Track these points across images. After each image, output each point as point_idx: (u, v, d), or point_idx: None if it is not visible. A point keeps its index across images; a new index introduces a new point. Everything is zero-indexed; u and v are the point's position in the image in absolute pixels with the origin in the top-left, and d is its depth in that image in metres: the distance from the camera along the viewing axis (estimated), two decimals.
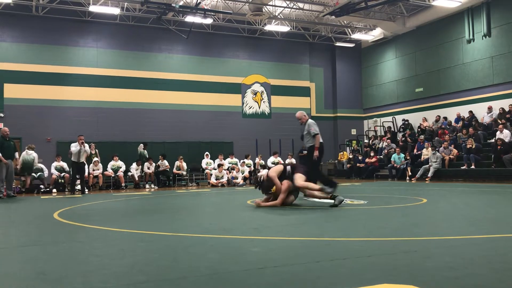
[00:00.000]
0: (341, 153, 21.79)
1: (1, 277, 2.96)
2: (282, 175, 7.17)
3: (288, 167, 7.29)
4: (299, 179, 6.94)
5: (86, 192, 12.69)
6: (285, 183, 7.04)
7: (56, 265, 3.31)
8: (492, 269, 2.92)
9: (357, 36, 22.30)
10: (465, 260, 3.19)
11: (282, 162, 17.78)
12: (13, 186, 13.02)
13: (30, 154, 14.11)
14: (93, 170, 15.00)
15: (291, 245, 4.00)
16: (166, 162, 16.41)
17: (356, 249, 3.67)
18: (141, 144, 17.03)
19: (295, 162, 16.58)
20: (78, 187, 14.03)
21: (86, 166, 14.72)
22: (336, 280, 2.71)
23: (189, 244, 4.03)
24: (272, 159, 17.85)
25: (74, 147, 12.47)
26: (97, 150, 15.44)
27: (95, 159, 15.15)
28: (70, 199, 10.52)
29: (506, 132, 15.31)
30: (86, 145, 12.74)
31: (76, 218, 6.32)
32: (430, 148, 16.53)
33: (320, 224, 5.40)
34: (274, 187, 7.15)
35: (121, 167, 15.73)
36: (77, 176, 12.75)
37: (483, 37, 17.90)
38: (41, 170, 14.63)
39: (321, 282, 2.66)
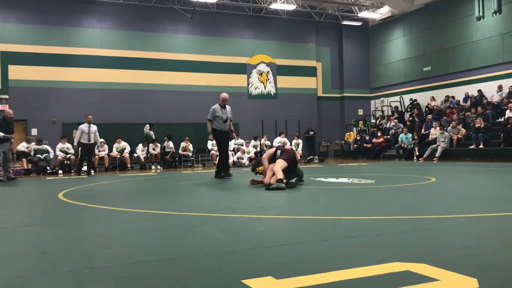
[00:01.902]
0: (348, 133, 21.64)
1: (2, 256, 2.90)
2: (273, 158, 7.36)
3: (278, 151, 7.40)
4: (279, 163, 6.95)
5: (92, 174, 12.67)
6: (271, 165, 7.18)
7: (58, 245, 3.25)
8: (506, 247, 2.83)
9: (364, 14, 21.92)
10: (478, 238, 3.09)
11: (287, 142, 17.72)
12: (19, 169, 13.09)
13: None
14: (99, 151, 14.98)
15: (298, 224, 3.91)
16: (171, 144, 16.37)
17: (365, 227, 3.59)
18: (147, 125, 16.98)
19: (287, 146, 16.61)
20: (85, 168, 14.06)
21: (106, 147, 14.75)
22: (345, 259, 2.63)
23: (195, 224, 3.96)
24: (278, 139, 17.72)
25: (79, 134, 12.23)
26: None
27: (101, 140, 15.13)
28: (76, 180, 10.50)
29: None
30: (93, 126, 12.59)
31: (81, 198, 6.28)
32: (438, 128, 16.35)
33: (327, 203, 5.32)
34: (261, 167, 7.50)
35: (125, 148, 15.72)
36: (85, 157, 12.66)
37: (493, 14, 17.52)
38: (47, 151, 14.63)
39: (329, 261, 2.58)
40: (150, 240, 3.31)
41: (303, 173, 7.62)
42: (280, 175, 6.72)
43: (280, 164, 6.95)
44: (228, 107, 9.65)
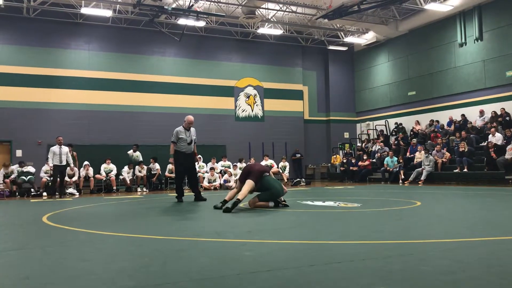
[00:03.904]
0: (334, 156, 21.78)
1: None
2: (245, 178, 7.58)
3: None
4: (246, 184, 7.29)
5: (67, 195, 12.49)
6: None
7: (42, 270, 3.20)
8: (490, 273, 2.86)
9: (349, 39, 22.33)
10: (462, 263, 3.12)
11: (274, 164, 17.79)
12: (2, 191, 12.98)
13: None
14: (86, 173, 14.93)
15: (284, 248, 3.91)
16: (157, 165, 16.28)
17: (351, 252, 3.60)
18: (131, 150, 16.69)
19: (274, 169, 17.25)
20: (70, 190, 13.93)
21: (77, 170, 14.61)
22: (330, 285, 2.64)
23: (180, 248, 3.94)
24: (263, 162, 17.78)
25: (51, 157, 12.20)
26: (75, 153, 15.11)
27: (86, 163, 15.07)
28: (60, 202, 10.37)
29: (498, 135, 15.36)
30: (65, 147, 12.51)
31: (66, 221, 6.20)
32: (423, 152, 16.54)
33: (313, 227, 5.33)
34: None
35: (112, 170, 15.61)
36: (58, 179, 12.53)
37: (475, 41, 17.98)
38: (31, 173, 14.47)
39: (316, 287, 2.58)
40: (135, 265, 3.28)
41: (278, 190, 7.43)
42: (241, 195, 7.06)
43: (247, 185, 7.22)
44: (192, 129, 9.63)
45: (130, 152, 16.59)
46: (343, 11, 16.79)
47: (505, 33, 16.95)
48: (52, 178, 12.83)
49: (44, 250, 4.05)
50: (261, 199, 7.36)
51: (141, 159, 16.31)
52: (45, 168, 14.45)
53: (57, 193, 12.59)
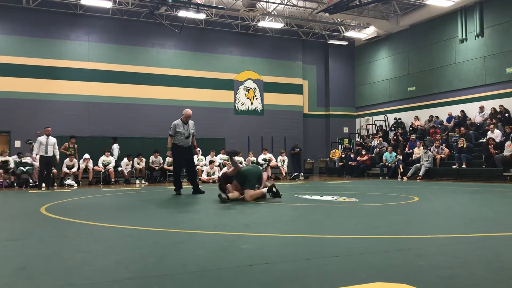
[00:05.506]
0: (333, 151, 21.78)
1: None
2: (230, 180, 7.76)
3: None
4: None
5: (55, 188, 12.41)
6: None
7: (39, 260, 3.20)
8: (487, 269, 2.87)
9: (350, 34, 22.26)
10: (459, 259, 3.13)
11: (273, 158, 17.82)
12: (0, 181, 12.96)
13: None
14: (86, 166, 14.96)
15: (282, 242, 3.92)
16: (160, 159, 16.23)
17: (348, 246, 3.61)
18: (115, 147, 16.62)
19: (272, 163, 17.35)
20: (68, 181, 13.93)
21: (76, 161, 14.59)
22: (328, 278, 2.64)
23: (178, 240, 3.95)
24: (262, 156, 17.85)
25: (37, 147, 12.02)
26: (75, 145, 15.05)
27: (86, 156, 15.05)
28: (59, 193, 10.37)
29: (497, 132, 15.37)
30: (52, 138, 12.41)
31: (64, 213, 6.20)
32: (421, 147, 16.55)
33: (311, 221, 5.33)
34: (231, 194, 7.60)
35: (111, 162, 15.59)
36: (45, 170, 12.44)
37: (476, 37, 17.93)
38: (30, 164, 14.44)
39: (312, 280, 2.59)
40: (133, 257, 3.28)
41: (256, 169, 7.87)
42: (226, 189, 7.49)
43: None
44: (191, 122, 9.63)
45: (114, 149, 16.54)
46: (344, 5, 16.75)
47: (506, 29, 16.91)
48: (39, 170, 12.65)
49: (42, 241, 4.06)
50: (249, 188, 7.38)
51: (115, 152, 16.17)
52: (29, 159, 14.21)
53: (67, 184, 12.52)
